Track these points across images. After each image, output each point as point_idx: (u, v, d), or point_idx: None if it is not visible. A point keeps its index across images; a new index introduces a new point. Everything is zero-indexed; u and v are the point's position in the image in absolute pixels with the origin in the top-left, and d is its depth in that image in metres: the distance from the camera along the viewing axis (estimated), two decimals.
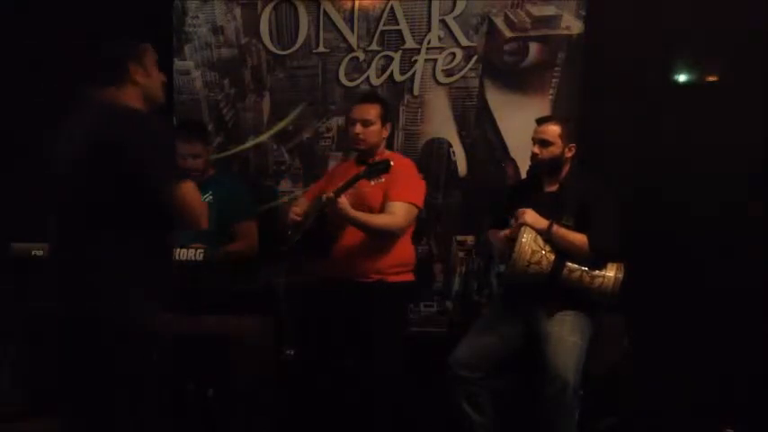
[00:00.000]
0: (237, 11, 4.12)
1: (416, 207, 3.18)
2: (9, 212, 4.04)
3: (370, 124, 3.20)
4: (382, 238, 3.15)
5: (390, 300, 3.18)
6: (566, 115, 3.49)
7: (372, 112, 3.21)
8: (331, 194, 2.96)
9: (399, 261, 3.21)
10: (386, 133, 3.28)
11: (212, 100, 4.17)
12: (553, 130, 3.12)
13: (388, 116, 3.32)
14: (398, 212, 3.11)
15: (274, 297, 3.70)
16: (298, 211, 3.26)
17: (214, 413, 3.18)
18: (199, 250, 3.15)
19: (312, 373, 3.31)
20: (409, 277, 3.27)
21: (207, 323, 2.99)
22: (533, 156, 3.15)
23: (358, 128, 3.20)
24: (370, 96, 3.41)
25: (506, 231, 3.10)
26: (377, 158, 3.14)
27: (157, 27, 4.08)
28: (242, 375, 3.30)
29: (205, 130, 3.82)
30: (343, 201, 2.97)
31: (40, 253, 3.64)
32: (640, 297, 3.23)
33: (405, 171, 3.20)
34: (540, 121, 3.20)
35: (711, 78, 3.76)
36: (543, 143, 3.12)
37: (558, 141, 3.11)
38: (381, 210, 3.12)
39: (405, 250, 3.25)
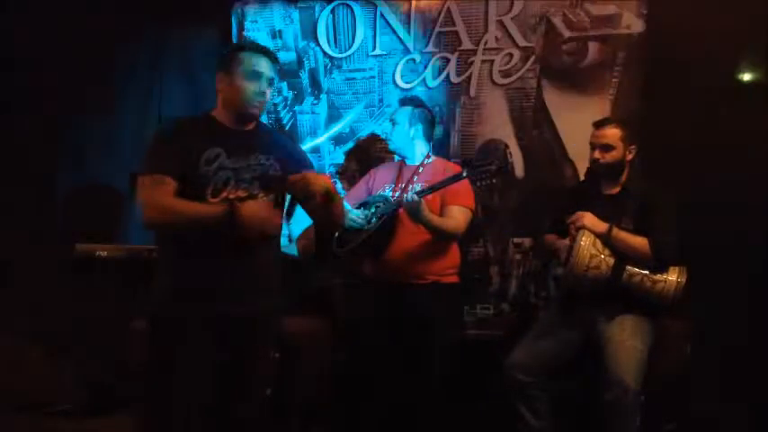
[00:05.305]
0: (295, 14, 4.16)
1: (472, 211, 3.20)
2: (74, 214, 4.15)
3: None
4: (442, 242, 3.15)
5: (447, 301, 3.20)
6: (625, 116, 3.44)
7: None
8: (415, 197, 2.93)
9: (452, 263, 3.24)
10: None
11: (270, 103, 4.21)
12: (614, 133, 3.05)
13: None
14: (460, 217, 3.13)
15: (330, 299, 3.71)
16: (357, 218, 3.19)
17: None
18: None
19: (366, 377, 3.31)
20: (457, 279, 3.27)
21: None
22: (594, 161, 3.08)
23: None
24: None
25: (564, 240, 3.05)
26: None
27: (218, 31, 4.16)
28: (301, 376, 3.33)
29: None
30: (425, 203, 2.97)
31: (104, 254, 3.74)
32: (703, 301, 3.16)
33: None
34: (599, 125, 3.12)
35: None
36: (605, 147, 3.05)
37: (620, 144, 3.04)
38: (439, 214, 3.12)
39: (455, 252, 3.26)
